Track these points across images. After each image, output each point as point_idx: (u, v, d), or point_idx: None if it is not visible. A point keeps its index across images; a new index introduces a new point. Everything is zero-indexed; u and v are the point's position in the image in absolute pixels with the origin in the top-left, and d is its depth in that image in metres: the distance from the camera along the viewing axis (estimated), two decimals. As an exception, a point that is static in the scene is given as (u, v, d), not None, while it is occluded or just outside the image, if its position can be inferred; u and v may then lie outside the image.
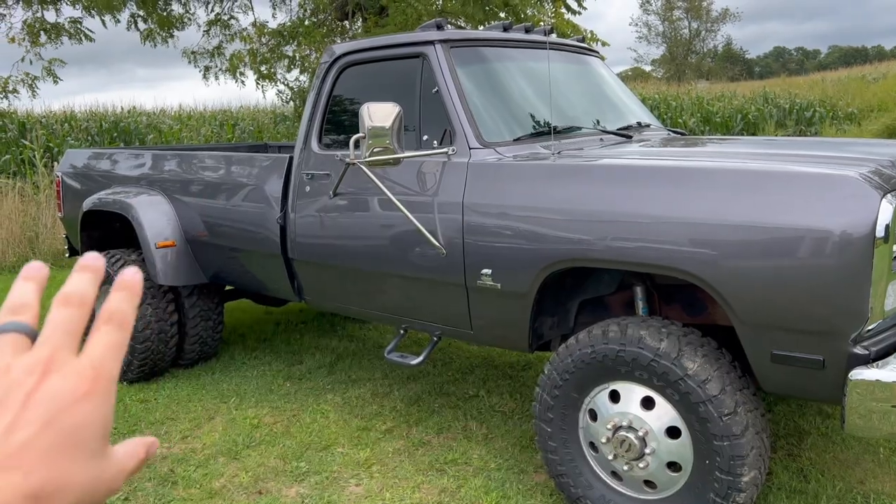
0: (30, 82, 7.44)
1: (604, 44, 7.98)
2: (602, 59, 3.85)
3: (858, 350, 1.98)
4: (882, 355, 2.02)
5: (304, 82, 10.12)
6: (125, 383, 3.96)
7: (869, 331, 2.03)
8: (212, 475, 2.95)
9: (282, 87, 10.31)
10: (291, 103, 10.59)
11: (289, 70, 10.15)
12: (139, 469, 0.50)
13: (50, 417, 0.41)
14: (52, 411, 0.41)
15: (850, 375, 1.96)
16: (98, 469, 0.43)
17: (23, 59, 7.73)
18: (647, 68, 47.30)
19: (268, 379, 4.03)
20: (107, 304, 0.48)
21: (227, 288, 4.32)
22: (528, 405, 3.53)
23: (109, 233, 4.43)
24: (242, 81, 10.20)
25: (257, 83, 9.96)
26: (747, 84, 27.36)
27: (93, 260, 0.50)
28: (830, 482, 2.70)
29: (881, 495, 2.60)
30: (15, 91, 7.38)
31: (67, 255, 4.93)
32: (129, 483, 2.87)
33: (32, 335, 0.46)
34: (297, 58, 9.82)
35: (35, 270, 0.50)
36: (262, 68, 9.78)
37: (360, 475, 2.92)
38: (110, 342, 0.47)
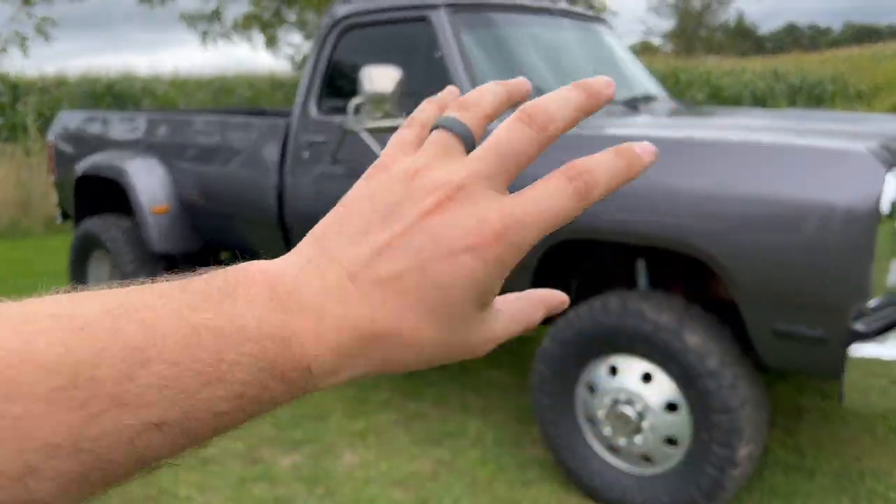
0: (20, 41, 7.30)
1: (611, 12, 7.85)
2: (610, 27, 3.78)
3: (859, 326, 1.97)
4: (882, 332, 2.01)
5: (306, 47, 10.00)
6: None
7: (870, 307, 2.02)
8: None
9: (289, 50, 10.19)
10: (298, 68, 10.50)
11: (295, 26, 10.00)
12: (527, 332, 0.40)
13: (422, 261, 0.33)
14: (426, 254, 0.33)
15: (849, 351, 1.95)
16: (455, 334, 0.35)
17: (12, 19, 7.57)
18: (657, 41, 46.81)
19: (263, 347, 4.01)
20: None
21: (223, 256, 4.28)
22: (526, 379, 3.52)
23: (104, 198, 4.38)
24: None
25: (267, 46, 9.85)
26: (757, 60, 27.08)
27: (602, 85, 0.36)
28: (826, 459, 2.70)
29: (877, 472, 2.60)
30: (4, 50, 7.24)
31: (60, 220, 4.87)
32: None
33: (468, 141, 0.37)
34: (297, 22, 9.68)
35: (515, 85, 0.39)
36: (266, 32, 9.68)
37: (355, 445, 2.91)
38: (553, 200, 0.34)
